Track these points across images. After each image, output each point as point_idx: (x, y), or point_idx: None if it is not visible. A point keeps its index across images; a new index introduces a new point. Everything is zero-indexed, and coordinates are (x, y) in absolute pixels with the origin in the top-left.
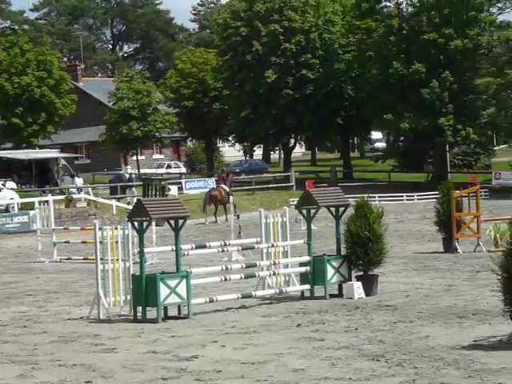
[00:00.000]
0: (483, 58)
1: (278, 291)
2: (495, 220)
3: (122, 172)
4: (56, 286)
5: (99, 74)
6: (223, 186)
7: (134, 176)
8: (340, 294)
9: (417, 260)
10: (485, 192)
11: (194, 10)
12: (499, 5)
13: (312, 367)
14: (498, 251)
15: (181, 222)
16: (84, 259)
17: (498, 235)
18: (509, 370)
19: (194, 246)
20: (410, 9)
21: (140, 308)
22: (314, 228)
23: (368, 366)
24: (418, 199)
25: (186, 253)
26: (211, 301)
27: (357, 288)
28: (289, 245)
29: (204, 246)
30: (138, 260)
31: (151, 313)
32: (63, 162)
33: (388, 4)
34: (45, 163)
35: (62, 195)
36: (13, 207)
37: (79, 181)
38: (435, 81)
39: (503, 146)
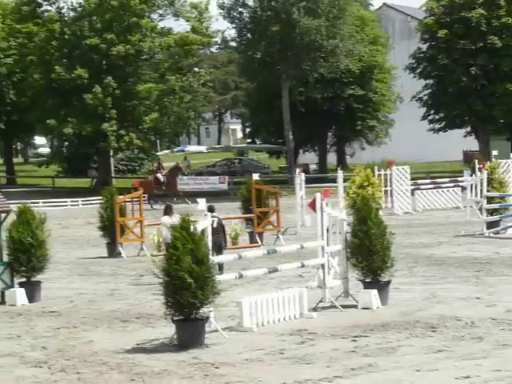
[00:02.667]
0: (145, 63)
1: None
2: (158, 224)
3: None
4: None
5: None
6: None
7: None
8: (3, 301)
9: (81, 265)
10: (148, 197)
11: None
12: (160, 11)
13: None
14: (160, 255)
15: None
16: None
17: (160, 239)
18: (170, 372)
19: None
20: (72, 13)
21: None
22: None
23: (31, 373)
24: (82, 205)
25: None
26: None
27: (20, 295)
28: None
29: None
30: None
31: None
32: None
33: (49, 8)
34: None
35: None
36: None
37: None
38: (98, 86)
39: (166, 151)
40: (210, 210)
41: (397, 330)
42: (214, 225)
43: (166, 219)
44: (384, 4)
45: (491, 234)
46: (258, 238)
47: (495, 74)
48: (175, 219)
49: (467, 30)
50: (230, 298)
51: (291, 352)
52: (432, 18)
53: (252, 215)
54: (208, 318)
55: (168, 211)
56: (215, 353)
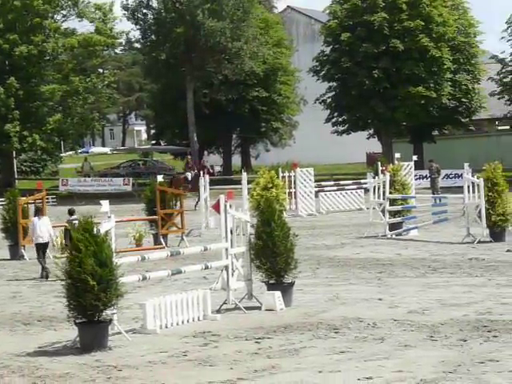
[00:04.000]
0: (49, 64)
1: None
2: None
3: None
4: None
5: None
6: None
7: None
8: None
9: None
10: (52, 198)
11: None
12: (64, 12)
13: None
14: (63, 257)
15: None
16: None
17: (63, 241)
18: (73, 375)
19: None
20: None
21: None
22: None
23: None
24: None
25: None
26: None
27: None
28: None
29: None
30: None
31: None
32: None
33: None
34: None
35: None
36: None
37: None
38: (0, 87)
39: (70, 153)
40: (70, 212)
41: (300, 332)
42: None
43: (36, 220)
44: (288, 7)
45: (393, 236)
46: (162, 239)
47: (397, 77)
48: (45, 221)
49: (370, 33)
50: (134, 300)
51: (194, 354)
52: (335, 21)
53: (156, 217)
54: (111, 320)
55: (38, 213)
56: (118, 355)
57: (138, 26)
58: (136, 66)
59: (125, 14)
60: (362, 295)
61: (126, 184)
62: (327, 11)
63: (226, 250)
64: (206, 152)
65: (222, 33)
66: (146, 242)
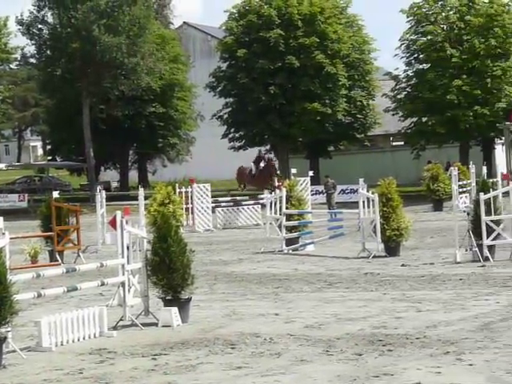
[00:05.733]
0: None
1: None
2: None
3: None
4: None
5: None
6: None
7: None
8: None
9: None
10: None
11: None
12: None
13: None
14: None
15: None
16: None
17: None
18: None
19: None
20: None
21: None
22: None
23: None
24: None
25: None
26: None
27: None
28: None
29: None
30: None
31: None
32: None
33: None
34: None
35: None
36: None
37: None
38: None
39: None
40: None
41: (196, 348)
42: None
43: None
44: (184, 23)
45: (290, 251)
46: (58, 256)
47: (293, 94)
48: None
49: (266, 49)
50: (29, 317)
51: (90, 371)
52: (231, 37)
53: (52, 233)
54: (5, 338)
55: None
56: (12, 374)
57: (33, 41)
58: (31, 81)
59: (19, 29)
60: (258, 310)
61: (22, 200)
62: (223, 27)
63: (123, 266)
64: (102, 168)
65: (118, 48)
66: (42, 259)
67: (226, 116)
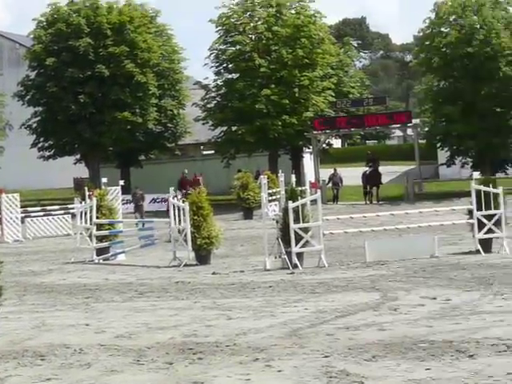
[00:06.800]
0: None
1: None
2: None
3: None
4: None
5: None
6: None
7: None
8: None
9: None
10: None
11: None
12: None
13: None
14: None
15: None
16: None
17: None
18: None
19: None
20: None
21: None
22: None
23: None
24: None
25: None
26: None
27: None
28: None
29: None
30: None
31: None
32: None
33: None
34: None
35: None
36: None
37: None
38: None
39: None
40: None
41: (5, 360)
42: None
43: None
44: None
45: (101, 261)
46: None
47: (104, 103)
48: None
49: (75, 58)
50: None
51: None
52: (40, 45)
53: None
54: None
55: None
56: None
57: None
58: None
59: None
60: (68, 321)
61: None
62: (32, 36)
63: None
64: None
65: None
66: None
67: (35, 125)
